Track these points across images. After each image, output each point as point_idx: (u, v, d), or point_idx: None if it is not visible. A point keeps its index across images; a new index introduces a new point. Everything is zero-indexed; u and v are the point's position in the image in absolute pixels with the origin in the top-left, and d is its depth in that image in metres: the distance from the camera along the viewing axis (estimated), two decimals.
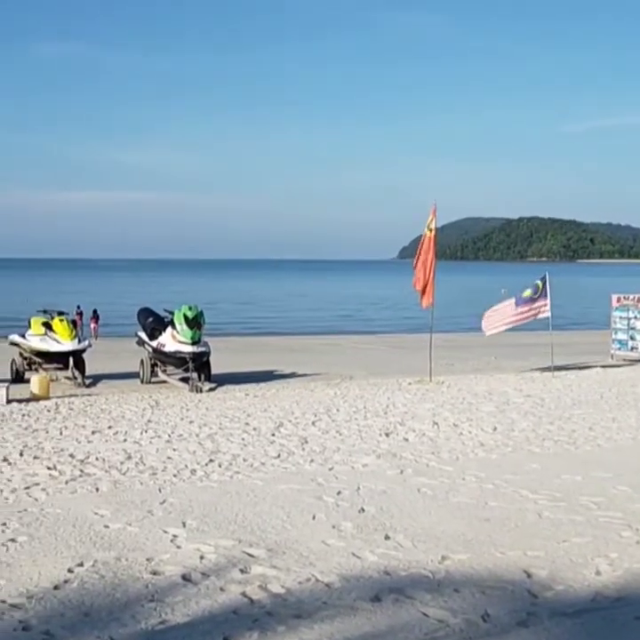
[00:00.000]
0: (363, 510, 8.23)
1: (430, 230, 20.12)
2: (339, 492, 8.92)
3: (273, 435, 12.43)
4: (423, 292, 20.23)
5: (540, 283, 21.58)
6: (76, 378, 19.31)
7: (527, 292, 21.71)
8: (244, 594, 5.94)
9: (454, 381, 19.43)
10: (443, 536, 7.35)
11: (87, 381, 19.36)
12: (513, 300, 21.82)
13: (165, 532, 7.51)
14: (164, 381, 19.32)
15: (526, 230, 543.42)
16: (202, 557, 6.77)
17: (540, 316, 21.56)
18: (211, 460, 10.62)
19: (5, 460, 10.64)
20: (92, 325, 37.21)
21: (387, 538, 7.31)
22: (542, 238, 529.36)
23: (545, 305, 21.40)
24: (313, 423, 13.47)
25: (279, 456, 10.90)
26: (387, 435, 12.45)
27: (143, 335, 20.31)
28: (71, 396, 17.08)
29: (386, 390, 17.85)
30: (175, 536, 7.38)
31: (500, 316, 21.88)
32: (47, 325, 20.03)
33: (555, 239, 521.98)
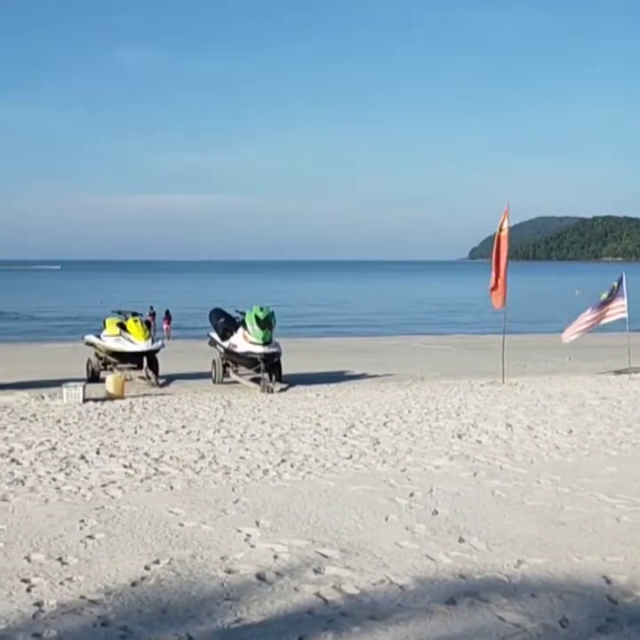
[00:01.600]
0: (436, 512, 8.17)
1: (503, 230, 19.89)
2: (411, 494, 8.87)
3: (344, 435, 12.42)
4: (496, 292, 20.05)
5: (615, 284, 21.19)
6: (149, 378, 19.58)
7: (603, 295, 21.36)
8: (318, 594, 5.94)
9: (528, 383, 19.17)
10: (518, 539, 7.25)
11: (160, 381, 19.61)
12: (590, 308, 21.58)
13: (239, 531, 7.56)
14: (236, 382, 19.46)
15: (601, 229, 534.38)
16: (275, 557, 6.80)
17: (617, 317, 21.15)
18: (283, 461, 10.66)
19: (83, 457, 10.84)
20: (165, 326, 37.72)
21: (461, 540, 7.24)
22: (617, 238, 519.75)
23: (622, 306, 21.00)
24: (384, 424, 13.42)
25: (351, 457, 10.88)
26: (459, 436, 12.34)
27: (215, 336, 20.49)
28: (145, 395, 17.32)
29: (458, 391, 17.70)
30: (249, 535, 7.42)
31: (578, 320, 21.60)
32: (122, 326, 20.36)
33: (631, 239, 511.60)
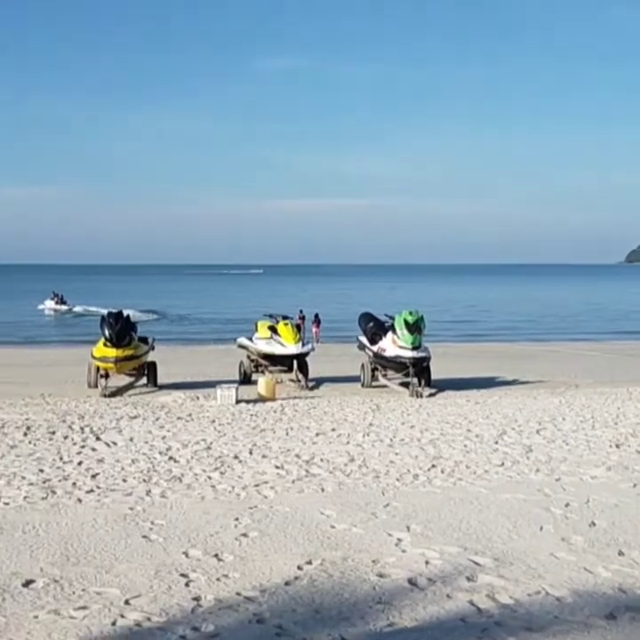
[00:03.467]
0: (593, 524, 7.90)
1: None
2: (567, 504, 8.61)
3: (496, 442, 12.21)
4: None
5: None
6: (299, 380, 19.85)
7: None
8: (471, 602, 5.86)
9: None
10: None
11: (310, 384, 19.84)
12: None
13: (390, 535, 7.55)
14: (385, 386, 19.47)
15: None
16: (427, 563, 6.75)
17: None
18: (433, 466, 10.58)
19: (236, 457, 11.10)
20: (314, 329, 38.16)
21: (620, 554, 6.98)
22: None
23: None
24: (537, 432, 13.11)
25: (503, 464, 10.68)
26: (617, 446, 11.90)
27: (364, 339, 20.57)
28: (295, 397, 17.57)
29: (615, 399, 17.09)
30: (400, 540, 7.40)
31: None
32: (273, 329, 20.72)
33: None
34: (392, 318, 19.74)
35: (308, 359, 20.59)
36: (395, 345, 19.07)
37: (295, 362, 20.15)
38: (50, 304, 69.86)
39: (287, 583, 6.25)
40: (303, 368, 20.27)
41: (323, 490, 9.33)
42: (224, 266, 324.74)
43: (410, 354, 18.84)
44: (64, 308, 68.69)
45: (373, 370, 19.92)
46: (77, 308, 67.02)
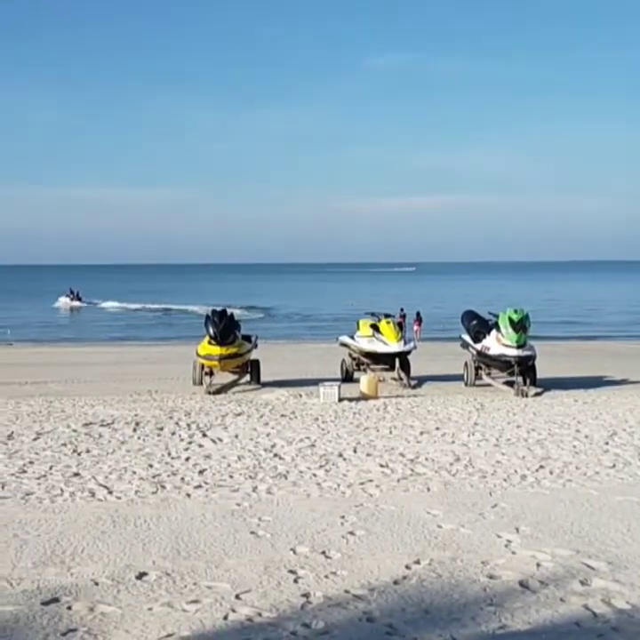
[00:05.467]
0: None
1: None
2: None
3: (606, 443, 11.88)
4: None
5: None
6: (401, 379, 19.74)
7: None
8: (585, 606, 5.71)
9: None
10: None
11: (412, 382, 19.72)
12: None
13: (499, 536, 7.43)
14: (489, 384, 19.20)
15: None
16: (538, 565, 6.62)
17: None
18: (541, 467, 10.37)
19: (340, 455, 11.11)
20: (415, 328, 37.96)
21: None
22: None
23: None
24: None
25: (614, 466, 10.39)
26: None
27: (467, 338, 20.31)
28: (398, 396, 17.49)
29: None
30: (509, 541, 7.28)
31: None
32: (375, 327, 20.67)
33: None
34: (496, 316, 19.45)
35: (410, 357, 20.47)
36: (499, 343, 18.77)
37: (397, 360, 20.06)
38: (64, 301, 72.78)
39: (396, 582, 6.22)
40: (405, 366, 20.15)
41: (428, 489, 9.26)
42: (373, 264, 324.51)
43: (515, 352, 18.52)
44: (77, 303, 71.96)
45: (477, 368, 19.66)
46: (107, 304, 71.56)
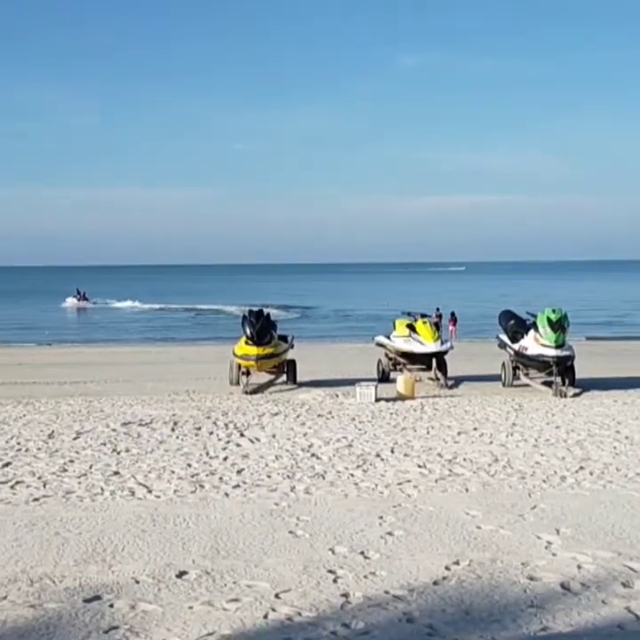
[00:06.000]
0: None
1: None
2: None
3: None
4: None
5: None
6: (438, 379, 19.66)
7: None
8: (628, 609, 5.66)
9: None
10: None
11: (449, 383, 19.63)
12: None
13: (539, 537, 7.39)
14: (527, 385, 19.07)
15: None
16: (579, 567, 6.57)
17: None
18: (581, 468, 10.28)
19: (378, 455, 11.10)
20: (451, 328, 37.79)
21: None
22: None
23: None
24: None
25: None
26: None
27: (505, 338, 20.18)
28: (435, 396, 17.43)
29: None
30: (549, 543, 7.23)
31: None
32: (411, 327, 20.61)
33: None
34: (534, 316, 19.31)
35: (446, 357, 20.38)
36: (537, 343, 18.63)
37: (434, 360, 19.98)
38: (72, 301, 73.55)
39: (435, 583, 6.20)
40: (442, 366, 20.06)
41: (467, 490, 9.22)
42: (421, 264, 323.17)
43: (553, 352, 18.37)
44: (84, 304, 72.71)
45: (515, 368, 19.53)
46: (123, 304, 72.03)
